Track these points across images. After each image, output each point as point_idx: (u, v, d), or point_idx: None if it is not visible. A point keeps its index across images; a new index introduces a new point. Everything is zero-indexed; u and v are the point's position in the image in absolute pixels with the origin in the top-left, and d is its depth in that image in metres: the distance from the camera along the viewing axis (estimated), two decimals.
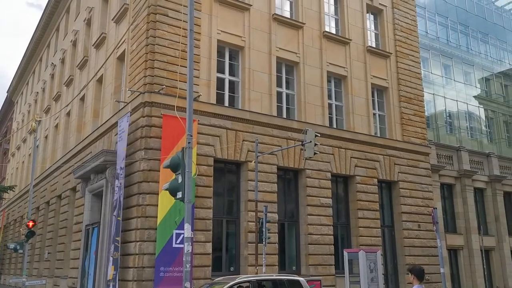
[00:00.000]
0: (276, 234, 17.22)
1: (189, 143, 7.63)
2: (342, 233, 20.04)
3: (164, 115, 15.05)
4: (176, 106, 14.42)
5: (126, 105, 16.84)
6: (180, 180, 7.43)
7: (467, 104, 33.83)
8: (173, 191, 7.68)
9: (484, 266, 22.51)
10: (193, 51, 16.59)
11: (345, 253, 16.39)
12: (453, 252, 24.11)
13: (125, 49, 18.50)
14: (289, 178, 19.19)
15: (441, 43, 33.23)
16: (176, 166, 7.73)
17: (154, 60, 16.06)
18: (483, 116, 35.35)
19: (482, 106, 35.33)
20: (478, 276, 23.59)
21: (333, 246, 18.68)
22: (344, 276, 16.27)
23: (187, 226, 7.40)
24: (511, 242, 26.35)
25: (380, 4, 23.82)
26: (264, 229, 14.82)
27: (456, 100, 33.00)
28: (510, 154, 32.78)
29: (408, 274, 6.43)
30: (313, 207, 18.56)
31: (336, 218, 19.65)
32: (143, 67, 16.18)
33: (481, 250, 21.84)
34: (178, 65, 15.71)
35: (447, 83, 32.89)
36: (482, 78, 36.19)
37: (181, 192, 7.40)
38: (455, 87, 33.32)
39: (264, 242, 14.83)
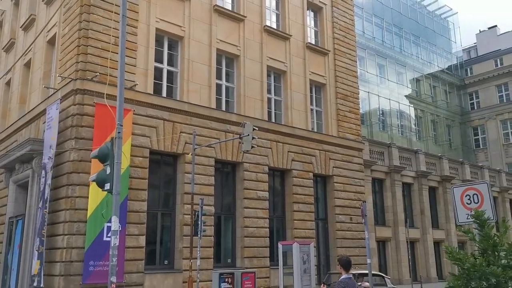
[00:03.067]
0: (212, 227, 17.15)
1: (119, 133, 7.34)
2: (278, 226, 20.34)
3: (97, 104, 14.43)
4: (110, 95, 13.86)
5: (56, 91, 15.97)
6: (108, 171, 7.14)
7: (399, 103, 35.52)
8: (100, 182, 7.37)
9: (409, 257, 23.77)
10: (130, 39, 16.16)
11: (280, 246, 16.64)
12: (381, 244, 25.25)
13: (56, 33, 17.51)
14: (226, 171, 19.16)
15: (377, 43, 34.58)
16: (104, 157, 7.41)
17: (87, 46, 15.33)
18: (413, 115, 37.29)
19: (412, 105, 37.25)
20: (404, 266, 24.89)
21: (268, 238, 18.92)
22: (278, 268, 16.53)
23: (114, 219, 7.14)
24: (435, 234, 28.05)
25: (320, 1, 24.27)
26: (199, 222, 14.69)
27: (389, 99, 34.54)
28: (436, 151, 34.85)
29: (338, 264, 6.61)
30: (249, 200, 18.67)
31: (272, 211, 19.90)
32: (75, 52, 15.40)
33: (407, 242, 23.04)
34: (112, 52, 15.07)
35: (381, 82, 34.31)
36: (413, 78, 38.14)
37: (109, 184, 7.12)
38: (389, 86, 34.86)
39: (199, 235, 14.70)
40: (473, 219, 4.69)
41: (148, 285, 15.21)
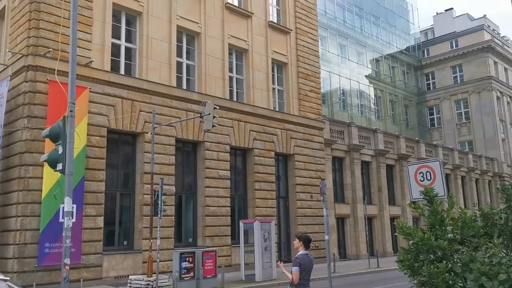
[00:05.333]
0: (173, 206, 17.06)
1: (71, 111, 7.07)
2: (239, 205, 20.47)
3: (50, 81, 13.87)
4: (64, 72, 13.34)
5: (6, 68, 15.23)
6: (60, 151, 6.89)
7: (359, 83, 36.08)
8: (52, 162, 7.11)
9: (367, 233, 24.53)
10: (85, 13, 15.55)
11: (241, 224, 16.78)
12: (340, 220, 25.91)
13: (5, 5, 16.61)
14: (187, 150, 19.00)
15: (338, 23, 34.77)
16: (56, 136, 7.13)
17: (39, 20, 14.64)
18: (372, 94, 38.02)
19: (372, 85, 37.95)
20: (362, 241, 25.70)
21: (229, 217, 19.03)
22: (240, 246, 16.70)
23: (67, 200, 6.93)
24: (391, 210, 29.02)
25: None
26: (159, 202, 14.51)
27: (350, 79, 35.01)
28: (393, 130, 35.80)
29: (296, 240, 6.66)
30: (211, 180, 18.64)
31: (233, 190, 19.97)
32: (27, 26, 14.69)
33: (364, 218, 23.71)
34: (66, 27, 14.42)
35: (342, 62, 34.67)
36: (373, 59, 38.75)
37: (61, 164, 6.88)
38: (349, 66, 35.28)
39: (159, 215, 14.54)
40: (423, 195, 4.84)
41: (107, 266, 15.04)
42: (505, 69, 46.61)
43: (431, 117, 45.82)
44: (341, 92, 34.48)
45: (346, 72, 34.73)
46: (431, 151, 34.81)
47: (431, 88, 46.00)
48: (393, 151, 30.46)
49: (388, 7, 41.37)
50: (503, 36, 52.10)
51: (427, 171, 8.81)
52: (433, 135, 44.74)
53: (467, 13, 51.54)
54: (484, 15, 50.75)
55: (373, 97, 38.13)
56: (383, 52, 39.87)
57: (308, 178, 22.83)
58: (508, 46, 49.17)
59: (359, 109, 36.03)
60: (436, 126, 45.37)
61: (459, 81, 44.77)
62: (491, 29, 48.96)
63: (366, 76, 37.32)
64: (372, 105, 37.85)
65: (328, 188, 23.01)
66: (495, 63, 44.79)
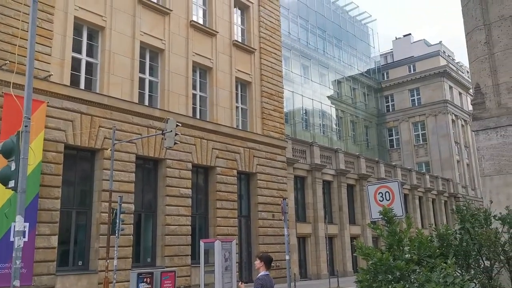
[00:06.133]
0: (132, 225, 16.62)
1: (26, 126, 6.79)
2: (200, 224, 20.18)
3: (5, 94, 13.34)
4: (19, 84, 12.87)
5: None
6: (13, 168, 6.58)
7: (321, 103, 36.74)
8: (4, 179, 6.76)
9: (328, 252, 24.69)
10: (45, 26, 15.18)
11: (202, 243, 16.50)
12: (302, 240, 25.98)
13: None
14: (148, 168, 18.66)
15: (302, 44, 35.47)
16: (9, 152, 6.81)
17: None
18: (334, 115, 38.77)
19: (333, 106, 38.72)
20: (322, 261, 25.83)
21: (190, 236, 18.71)
22: (200, 266, 16.39)
23: (19, 219, 6.60)
24: (351, 229, 29.40)
25: (247, 0, 24.39)
26: (117, 220, 14.14)
27: (312, 99, 35.61)
28: (354, 150, 36.53)
29: (257, 260, 6.56)
30: (172, 198, 18.33)
31: (195, 209, 19.70)
32: None
33: (325, 237, 23.88)
34: (23, 39, 14.00)
35: (305, 82, 35.27)
36: (335, 80, 39.65)
37: (13, 181, 6.57)
38: (312, 87, 35.92)
39: (117, 234, 14.15)
40: (382, 216, 4.91)
41: (60, 287, 14.39)
42: (460, 94, 48.74)
43: (390, 138, 47.15)
44: (304, 112, 34.98)
45: (309, 92, 35.33)
46: (390, 172, 35.69)
47: (391, 110, 47.43)
48: (354, 171, 31.02)
49: (350, 31, 42.63)
50: (458, 62, 54.64)
51: (386, 191, 9.00)
52: (392, 156, 45.97)
53: (424, 39, 53.89)
54: (440, 42, 53.22)
55: (335, 117, 38.89)
56: (345, 73, 40.90)
57: (270, 197, 22.85)
58: (462, 72, 51.55)
59: (321, 129, 36.63)
60: (395, 147, 46.67)
61: (416, 104, 46.40)
62: (447, 55, 51.29)
63: (328, 96, 38.08)
64: (334, 125, 38.57)
65: (290, 207, 23.10)
66: (450, 87, 46.78)
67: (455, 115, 46.11)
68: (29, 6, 13.75)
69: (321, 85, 37.23)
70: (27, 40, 13.90)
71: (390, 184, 9.19)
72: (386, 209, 4.83)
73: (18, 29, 14.01)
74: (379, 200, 9.00)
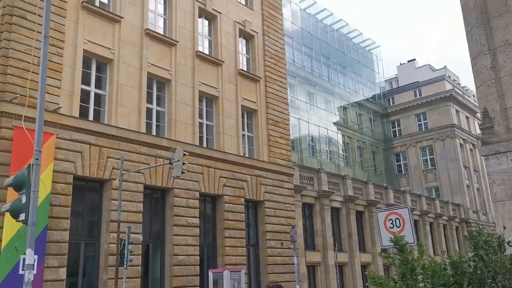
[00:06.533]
0: (140, 256, 16.48)
1: (37, 159, 6.86)
2: (209, 253, 19.98)
3: (16, 127, 13.55)
4: (31, 118, 13.07)
5: None
6: (24, 201, 6.61)
7: (327, 129, 36.82)
8: (15, 212, 6.79)
9: (338, 281, 24.25)
10: (55, 60, 15.50)
11: (210, 274, 16.34)
12: (311, 268, 25.58)
13: None
14: (156, 197, 18.64)
15: (306, 72, 35.84)
16: (20, 185, 6.87)
17: (7, 66, 14.48)
18: (340, 141, 38.77)
19: (340, 132, 38.77)
20: None
21: (198, 266, 18.49)
22: None
23: (29, 252, 6.59)
24: (362, 257, 28.93)
25: (252, 30, 24.83)
26: (126, 251, 14.05)
27: (318, 126, 35.71)
28: (362, 177, 36.33)
29: None
30: (179, 227, 18.22)
31: (203, 238, 19.55)
32: None
33: (335, 266, 23.52)
34: (34, 73, 14.31)
35: (310, 109, 35.46)
36: (341, 106, 39.84)
37: (24, 214, 6.59)
38: (318, 113, 36.09)
39: (125, 265, 14.04)
40: (393, 243, 4.84)
41: None
42: (467, 118, 48.67)
43: (398, 163, 46.90)
44: (310, 138, 35.04)
45: (315, 119, 35.48)
46: (400, 197, 35.35)
47: (397, 135, 47.38)
48: (362, 197, 30.76)
49: (354, 57, 43.08)
50: (463, 86, 54.79)
51: (396, 218, 8.91)
52: (400, 181, 45.62)
53: (428, 64, 54.22)
54: (445, 66, 53.50)
55: (342, 143, 38.88)
56: (350, 100, 41.10)
57: (278, 225, 22.64)
58: (468, 96, 51.62)
59: (328, 155, 36.58)
60: (403, 172, 46.37)
61: (423, 129, 46.34)
62: (452, 79, 51.48)
63: (334, 123, 38.19)
64: (341, 152, 38.52)
65: (299, 235, 22.85)
66: (457, 111, 46.77)
67: (463, 139, 45.91)
68: (39, 41, 14.14)
69: (327, 111, 37.40)
70: (37, 73, 14.26)
71: (400, 210, 9.11)
72: (397, 236, 4.77)
73: (30, 63, 14.32)
74: (389, 227, 8.91)
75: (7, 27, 14.80)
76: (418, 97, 47.68)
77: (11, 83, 14.39)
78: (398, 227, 8.73)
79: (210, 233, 20.26)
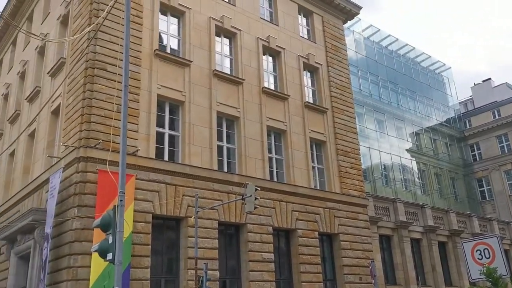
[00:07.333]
0: None
1: (121, 200, 7.29)
2: None
3: (100, 171, 14.49)
4: (113, 161, 13.95)
5: (59, 160, 16.10)
6: (110, 241, 7.01)
7: (400, 157, 35.55)
8: (102, 252, 7.22)
9: None
10: (132, 106, 16.52)
11: None
12: None
13: (60, 103, 17.95)
14: (230, 233, 18.84)
15: (374, 100, 35.20)
16: (107, 226, 7.32)
17: (90, 114, 15.67)
18: (415, 168, 37.20)
19: (414, 159, 37.26)
20: None
21: None
22: None
23: None
24: None
25: (316, 62, 25.01)
26: None
27: (390, 153, 34.61)
28: (442, 205, 34.38)
29: None
30: (255, 263, 18.20)
31: (278, 274, 19.33)
32: (79, 121, 15.71)
33: None
34: (115, 119, 15.35)
35: (381, 137, 34.55)
36: (413, 132, 38.44)
37: (111, 254, 6.97)
38: (389, 141, 35.07)
39: None
40: (486, 276, 4.53)
41: None
42: None
43: (481, 189, 43.92)
44: (383, 167, 33.99)
45: (386, 146, 34.48)
46: (486, 226, 32.96)
47: (478, 159, 44.61)
48: (444, 227, 29.06)
49: (423, 81, 41.75)
50: None
51: (485, 248, 8.32)
52: (485, 208, 42.58)
53: (506, 82, 51.17)
54: None
55: (417, 170, 37.28)
56: (423, 125, 39.58)
57: (355, 259, 21.88)
58: None
59: (403, 183, 35.16)
60: (487, 198, 43.30)
61: (506, 151, 43.33)
62: None
63: (407, 150, 36.84)
64: (417, 179, 36.88)
65: (378, 269, 21.92)
66: None
67: None
68: (119, 90, 15.21)
69: (398, 138, 36.24)
70: (118, 120, 15.28)
71: (488, 240, 8.51)
72: (489, 269, 4.47)
73: (111, 111, 15.39)
74: (478, 258, 8.33)
75: (90, 79, 16.11)
76: (497, 117, 44.89)
77: (95, 130, 15.51)
78: (488, 258, 8.14)
79: (286, 269, 20.00)
